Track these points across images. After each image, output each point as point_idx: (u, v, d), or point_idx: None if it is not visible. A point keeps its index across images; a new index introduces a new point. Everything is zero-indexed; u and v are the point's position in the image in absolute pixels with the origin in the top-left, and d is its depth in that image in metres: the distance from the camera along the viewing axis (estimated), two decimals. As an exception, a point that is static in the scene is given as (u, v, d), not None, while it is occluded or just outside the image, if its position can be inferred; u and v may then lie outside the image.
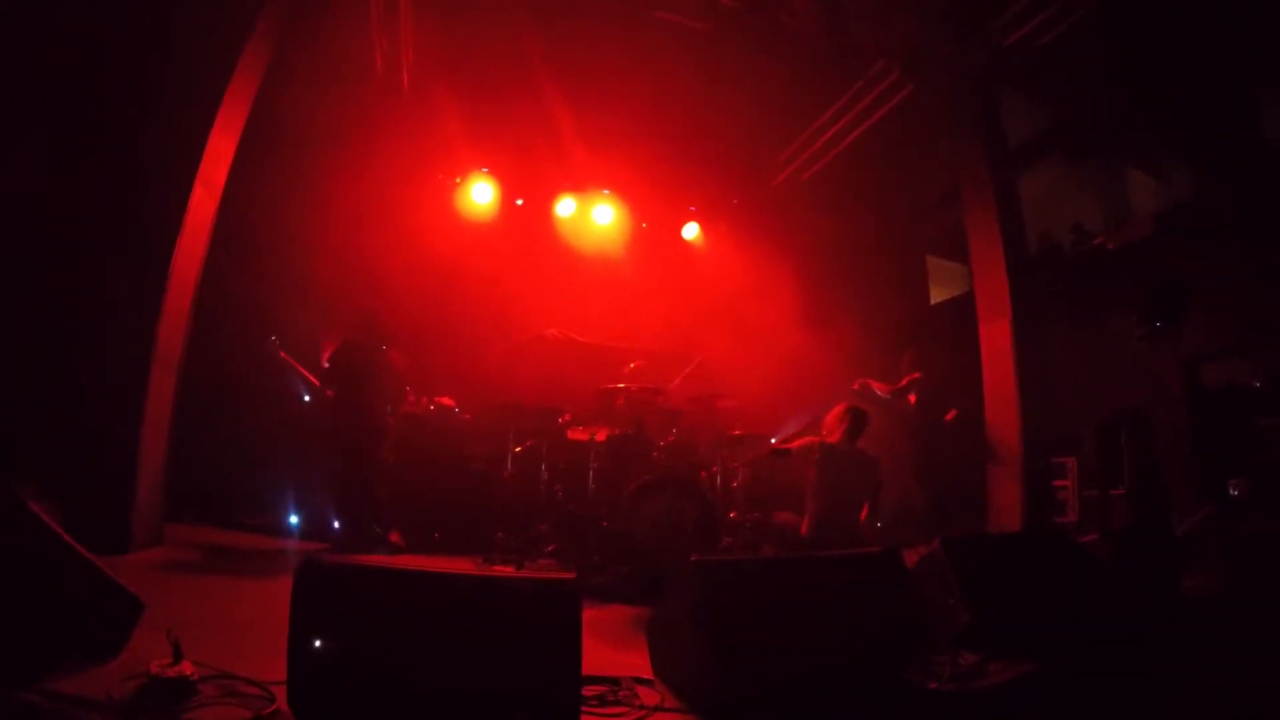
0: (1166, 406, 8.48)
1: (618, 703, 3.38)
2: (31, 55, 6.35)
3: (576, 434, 7.76)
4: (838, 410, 6.74)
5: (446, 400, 8.51)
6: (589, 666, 3.06)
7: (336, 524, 7.43)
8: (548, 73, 9.09)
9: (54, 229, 6.22)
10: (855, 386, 9.15)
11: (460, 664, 2.87)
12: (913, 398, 9.00)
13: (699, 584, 3.47)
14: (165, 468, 6.66)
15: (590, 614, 3.08)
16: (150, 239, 6.37)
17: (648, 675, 3.76)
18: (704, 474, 7.59)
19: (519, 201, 11.23)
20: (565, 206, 11.24)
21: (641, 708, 3.34)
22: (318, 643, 2.79)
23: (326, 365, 7.50)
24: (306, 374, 7.85)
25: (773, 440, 7.04)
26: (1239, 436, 7.84)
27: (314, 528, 7.81)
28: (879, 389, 9.19)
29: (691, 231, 11.99)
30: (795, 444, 6.71)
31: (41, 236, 6.19)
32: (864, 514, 6.49)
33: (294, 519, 8.11)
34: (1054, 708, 3.60)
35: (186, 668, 2.97)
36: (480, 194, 10.84)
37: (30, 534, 3.29)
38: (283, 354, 7.73)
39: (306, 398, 8.89)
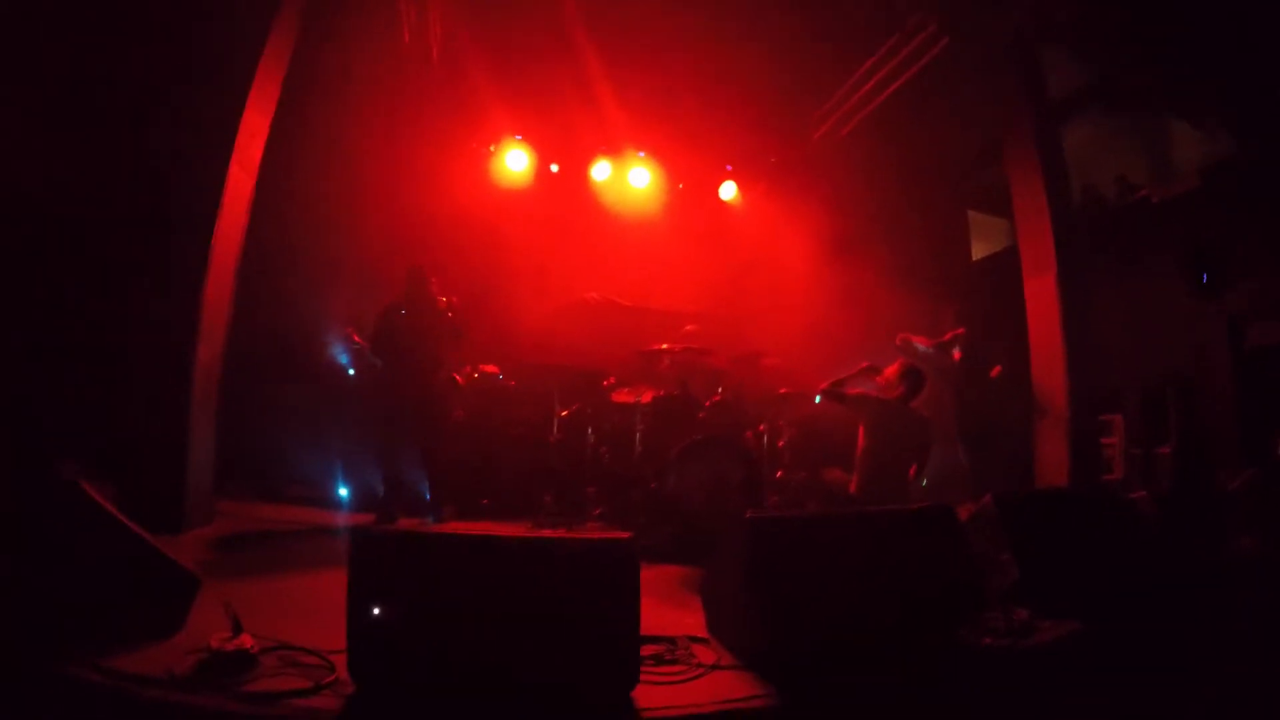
0: (1212, 364, 8.37)
1: (675, 661, 3.38)
2: (63, 38, 6.38)
3: (621, 396, 7.77)
4: (896, 368, 6.61)
5: (490, 367, 8.54)
6: (644, 626, 3.07)
7: (382, 491, 7.44)
8: (578, 35, 9.01)
9: (92, 213, 6.26)
10: (897, 342, 9.06)
11: (519, 627, 2.89)
12: (957, 354, 8.90)
13: (752, 541, 3.47)
14: (215, 444, 6.74)
15: (641, 574, 3.11)
16: (189, 218, 6.40)
17: (702, 634, 3.79)
18: (749, 434, 7.59)
19: (554, 167, 11.21)
20: (601, 170, 11.18)
21: (699, 666, 3.34)
22: (376, 611, 2.83)
23: (368, 341, 7.44)
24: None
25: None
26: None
27: (364, 499, 7.85)
28: (920, 342, 9.08)
29: (729, 191, 11.89)
30: (850, 390, 6.62)
31: (81, 221, 6.24)
32: (912, 473, 6.47)
33: (344, 491, 8.18)
34: (1105, 666, 3.60)
35: (246, 640, 3.01)
36: (515, 161, 10.83)
37: (86, 515, 3.35)
38: (356, 338, 7.65)
39: (352, 371, 8.99)
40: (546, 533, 6.38)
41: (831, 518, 4.49)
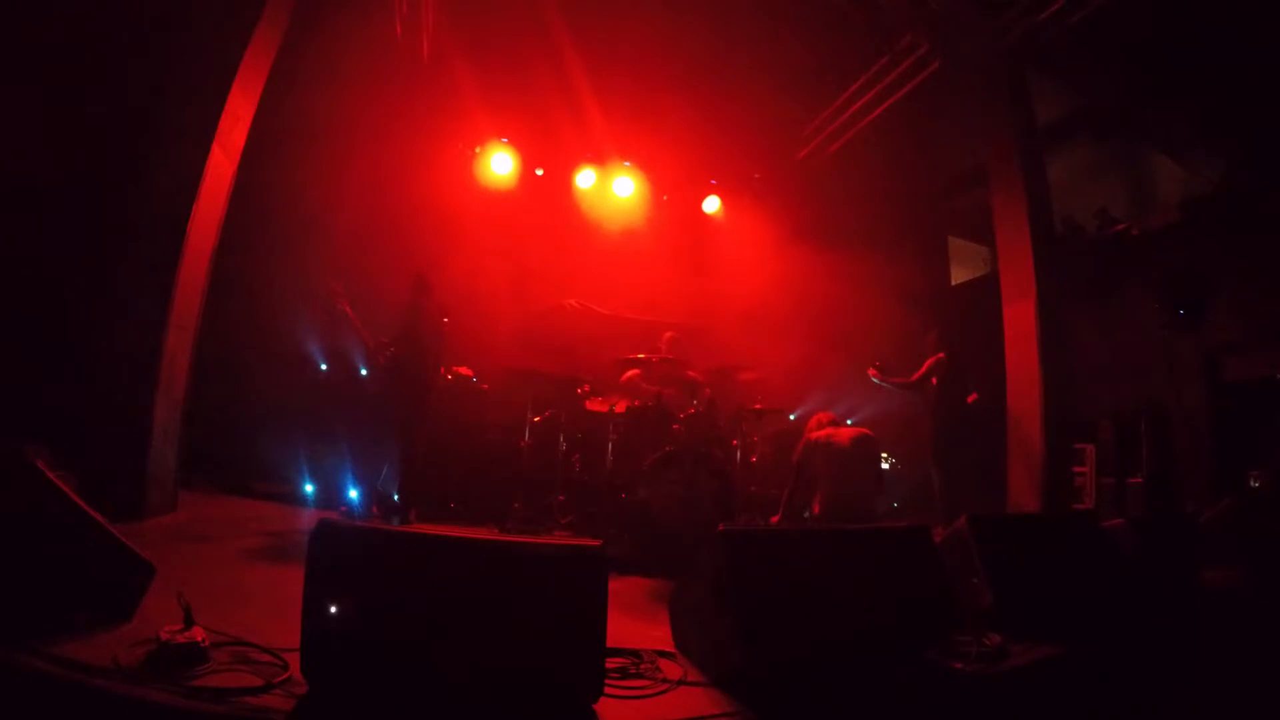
0: (1187, 396, 8.40)
1: (640, 675, 3.29)
2: (50, 15, 6.27)
3: (595, 405, 7.72)
4: (814, 419, 7.01)
5: (464, 370, 8.45)
6: (609, 638, 2.99)
7: (355, 492, 7.34)
8: (569, 42, 8.99)
9: (68, 192, 6.15)
10: (870, 374, 9.00)
11: (480, 632, 2.80)
12: (935, 379, 8.85)
13: (724, 555, 3.39)
14: (180, 434, 6.62)
15: (609, 585, 3.03)
16: (167, 201, 6.29)
17: (669, 648, 3.70)
18: (720, 449, 7.54)
19: (539, 172, 11.22)
20: (585, 178, 11.20)
21: (664, 681, 3.26)
22: (333, 609, 2.73)
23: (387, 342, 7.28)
24: (360, 331, 7.37)
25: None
26: (1260, 429, 7.77)
27: (329, 496, 7.77)
28: (891, 382, 9.01)
29: (712, 205, 11.94)
30: (796, 456, 6.86)
31: (56, 200, 6.13)
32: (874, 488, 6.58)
33: (309, 487, 8.07)
34: (1078, 692, 3.56)
35: (197, 634, 2.91)
36: (500, 164, 10.82)
37: (41, 497, 3.24)
38: (344, 305, 7.22)
39: (324, 366, 8.84)
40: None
41: (806, 534, 4.41)
